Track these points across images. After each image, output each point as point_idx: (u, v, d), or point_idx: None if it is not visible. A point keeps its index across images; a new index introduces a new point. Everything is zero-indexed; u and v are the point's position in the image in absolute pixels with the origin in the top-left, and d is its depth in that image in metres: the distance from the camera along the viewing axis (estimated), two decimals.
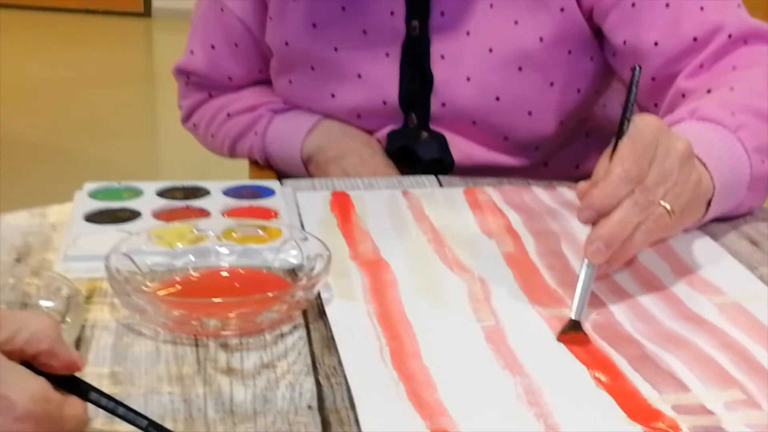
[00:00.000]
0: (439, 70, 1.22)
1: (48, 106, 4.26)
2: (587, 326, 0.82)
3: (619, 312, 0.85)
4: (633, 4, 1.15)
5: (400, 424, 0.68)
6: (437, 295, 0.87)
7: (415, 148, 1.25)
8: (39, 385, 0.61)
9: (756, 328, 0.82)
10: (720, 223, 1.03)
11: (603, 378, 0.74)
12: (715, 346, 0.79)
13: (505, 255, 0.95)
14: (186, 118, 1.42)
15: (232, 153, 1.36)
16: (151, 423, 0.64)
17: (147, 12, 6.18)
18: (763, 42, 1.12)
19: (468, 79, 1.20)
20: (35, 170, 3.51)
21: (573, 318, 0.81)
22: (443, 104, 1.23)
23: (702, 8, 1.12)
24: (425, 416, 0.68)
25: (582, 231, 1.00)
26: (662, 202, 0.84)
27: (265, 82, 1.35)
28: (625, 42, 1.16)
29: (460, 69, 1.21)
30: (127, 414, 0.64)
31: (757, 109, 1.01)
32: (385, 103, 1.24)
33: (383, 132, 1.27)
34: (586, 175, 0.87)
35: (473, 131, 1.24)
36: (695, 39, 1.12)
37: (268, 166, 1.35)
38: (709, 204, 0.95)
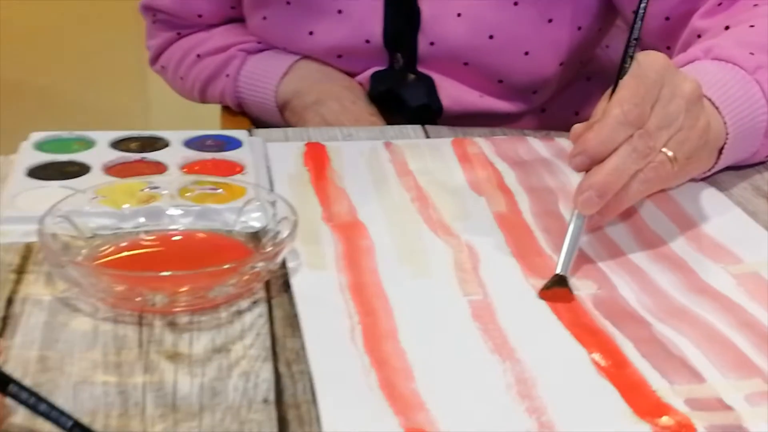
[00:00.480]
0: (427, 5, 1.11)
1: (28, 45, 4.13)
2: (588, 302, 0.72)
3: (623, 284, 0.75)
4: None
5: (368, 421, 0.58)
6: (419, 264, 0.77)
7: (401, 92, 1.15)
8: None
9: None
10: (734, 178, 0.92)
11: (605, 364, 0.65)
12: (733, 325, 0.69)
13: (497, 215, 0.85)
14: (154, 60, 1.31)
15: (203, 97, 1.26)
16: (76, 424, 0.55)
17: None
18: None
19: (459, 15, 1.10)
20: (11, 112, 3.39)
21: (558, 273, 0.74)
22: (432, 43, 1.12)
23: None
24: (399, 411, 0.59)
25: None
26: (664, 149, 0.77)
27: (238, 20, 1.24)
28: None
29: (451, 4, 1.11)
30: (50, 412, 0.55)
31: None
32: (368, 41, 1.13)
33: (366, 74, 1.16)
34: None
35: (465, 73, 1.13)
36: None
37: (242, 112, 1.24)
38: (720, 152, 0.87)
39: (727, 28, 0.98)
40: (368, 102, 1.16)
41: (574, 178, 0.91)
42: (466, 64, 1.12)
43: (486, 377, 0.63)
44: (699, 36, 1.01)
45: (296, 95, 1.16)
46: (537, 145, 1.00)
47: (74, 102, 3.56)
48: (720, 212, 0.86)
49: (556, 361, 0.65)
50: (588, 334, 0.68)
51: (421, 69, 1.14)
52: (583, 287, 0.74)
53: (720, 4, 1.01)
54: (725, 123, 0.86)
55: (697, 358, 0.66)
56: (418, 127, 1.05)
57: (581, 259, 0.78)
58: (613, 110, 0.74)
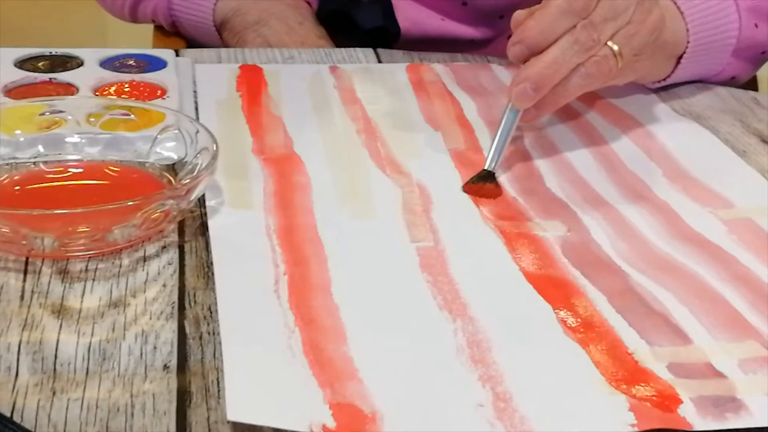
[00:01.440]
0: None
1: None
2: (555, 246, 0.62)
3: (596, 227, 0.65)
4: None
5: (285, 394, 0.47)
6: (362, 204, 0.66)
7: (353, 12, 1.03)
8: None
9: None
10: (720, 113, 0.83)
11: (573, 323, 0.55)
12: (725, 278, 0.60)
13: (454, 153, 0.74)
14: None
15: (134, 16, 1.13)
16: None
17: None
18: None
19: None
20: None
21: (486, 168, 0.70)
22: None
23: None
24: (325, 382, 0.48)
25: (549, 122, 0.80)
26: (609, 43, 0.71)
27: None
28: None
29: None
30: None
31: None
32: None
33: None
34: None
35: None
36: None
37: (177, 33, 1.12)
38: (679, 60, 0.82)
39: None
40: (316, 23, 1.04)
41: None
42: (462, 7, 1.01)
43: (433, 338, 0.53)
44: None
45: (236, 13, 1.04)
46: (502, 74, 0.89)
47: (21, 23, 3.41)
48: (706, 150, 0.76)
49: (515, 320, 0.55)
50: (554, 287, 0.58)
51: None
52: (550, 228, 0.64)
53: None
54: (687, 30, 0.81)
55: (682, 315, 0.56)
56: (369, 51, 0.94)
57: (547, 197, 0.68)
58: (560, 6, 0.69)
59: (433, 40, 1.04)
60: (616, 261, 0.61)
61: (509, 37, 1.03)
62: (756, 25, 0.87)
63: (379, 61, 0.92)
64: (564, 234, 0.64)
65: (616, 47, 0.71)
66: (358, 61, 0.92)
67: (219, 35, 1.06)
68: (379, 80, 0.87)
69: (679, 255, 0.62)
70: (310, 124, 0.78)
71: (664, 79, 0.84)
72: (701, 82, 0.88)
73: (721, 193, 0.69)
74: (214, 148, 0.63)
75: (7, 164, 0.67)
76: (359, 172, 0.71)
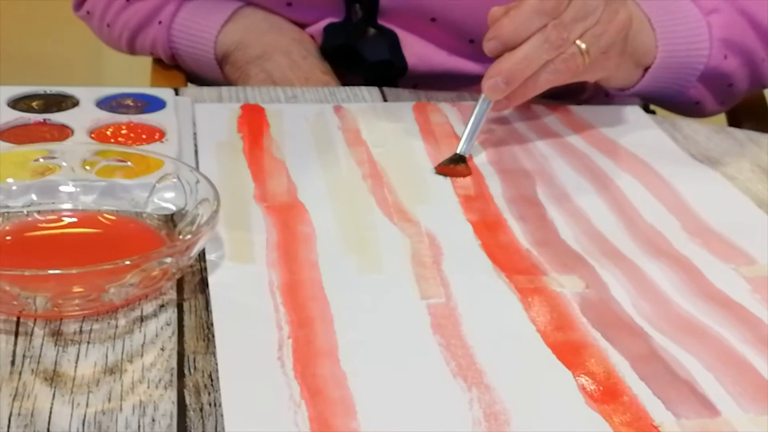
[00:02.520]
0: None
1: None
2: (573, 303, 0.59)
3: (615, 283, 0.62)
4: None
5: None
6: (369, 257, 0.64)
7: (359, 46, 1.00)
8: None
9: None
10: (736, 158, 0.80)
11: (595, 390, 0.52)
12: (751, 342, 0.57)
13: (464, 200, 0.72)
14: (78, 3, 1.15)
15: (132, 48, 1.10)
16: None
17: None
18: None
19: None
20: None
21: (458, 152, 0.76)
22: None
23: None
24: None
25: (562, 170, 0.77)
26: (578, 42, 0.76)
27: None
28: None
29: None
30: None
31: (743, 6, 0.91)
32: None
33: (319, 26, 1.02)
34: (558, 93, 0.83)
35: (432, 30, 0.99)
36: None
37: (176, 65, 1.09)
38: (646, 71, 0.88)
39: None
40: (320, 58, 1.01)
41: (554, 160, 0.78)
42: (433, 20, 0.98)
43: (447, 411, 0.50)
44: None
45: (239, 47, 1.01)
46: (511, 116, 0.86)
47: (17, 45, 3.38)
48: (726, 202, 0.73)
49: (534, 388, 0.52)
50: (573, 351, 0.55)
51: (382, 22, 1.00)
52: (567, 284, 0.62)
53: None
54: (657, 46, 0.87)
55: (708, 383, 0.53)
56: (374, 89, 0.91)
57: (562, 250, 0.65)
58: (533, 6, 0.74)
59: (439, 75, 1.01)
60: (637, 321, 0.58)
61: None
62: (725, 57, 0.90)
63: (385, 100, 0.90)
64: (582, 290, 0.61)
65: (584, 45, 0.76)
66: (363, 100, 0.89)
67: (220, 69, 1.03)
68: (385, 121, 0.84)
69: (702, 315, 0.59)
70: (314, 169, 0.75)
71: (631, 87, 0.89)
72: (698, 118, 0.90)
73: (744, 249, 0.66)
74: (216, 203, 0.60)
75: None
76: (366, 221, 0.68)
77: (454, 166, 0.75)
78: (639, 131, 0.85)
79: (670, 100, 0.93)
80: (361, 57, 1.00)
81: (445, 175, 0.75)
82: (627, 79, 0.88)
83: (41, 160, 0.67)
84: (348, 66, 1.02)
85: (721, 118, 1.17)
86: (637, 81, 0.88)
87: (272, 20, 1.03)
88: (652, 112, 1.17)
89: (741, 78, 0.93)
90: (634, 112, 0.89)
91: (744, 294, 0.61)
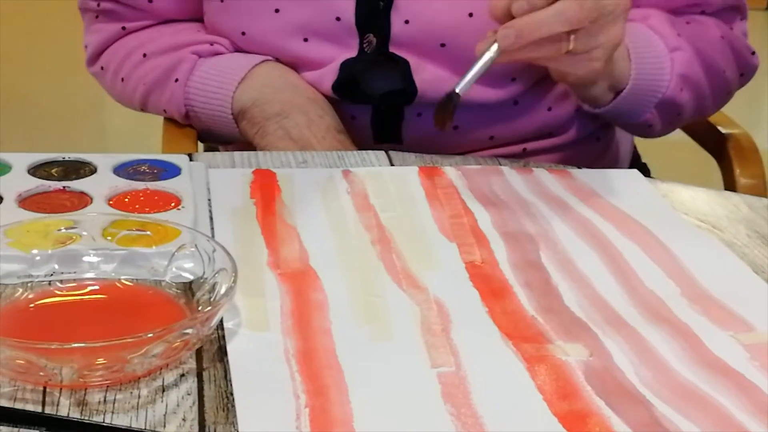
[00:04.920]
0: None
1: None
2: (578, 372, 0.62)
3: (618, 352, 0.64)
4: None
5: None
6: (379, 325, 0.66)
7: (372, 75, 1.03)
8: None
9: None
10: (736, 223, 0.83)
11: None
12: (748, 409, 0.59)
13: (470, 266, 0.74)
14: (93, 59, 1.18)
15: (145, 104, 1.13)
16: None
17: None
18: (735, 9, 1.10)
19: None
20: None
21: (456, 90, 0.84)
22: (407, 21, 1.02)
23: None
24: None
25: (565, 235, 0.79)
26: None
27: (190, 14, 1.12)
28: None
29: None
30: None
31: (700, 49, 1.03)
32: (338, 19, 1.02)
33: (335, 64, 1.05)
34: (557, 121, 1.01)
35: (442, 56, 1.02)
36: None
37: (189, 124, 1.12)
38: (617, 95, 0.99)
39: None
40: (335, 116, 1.04)
41: (556, 225, 0.81)
42: (443, 45, 1.02)
43: None
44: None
45: (255, 104, 1.04)
46: (514, 180, 0.89)
47: (21, 93, 3.42)
48: (724, 268, 0.76)
49: None
50: (579, 419, 0.57)
51: (393, 50, 1.04)
52: (572, 352, 0.64)
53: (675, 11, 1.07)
54: (630, 74, 0.98)
55: None
56: (381, 153, 0.94)
57: (567, 317, 0.68)
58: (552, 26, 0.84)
59: None
60: (639, 389, 0.61)
61: (515, 102, 1.05)
62: (681, 89, 1.02)
63: (391, 164, 0.92)
64: (586, 358, 0.63)
65: (571, 46, 0.86)
66: (371, 163, 0.92)
67: (236, 124, 1.06)
68: (392, 185, 0.87)
69: (702, 383, 0.61)
70: (325, 234, 0.78)
71: (601, 107, 1.00)
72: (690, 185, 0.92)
73: (742, 316, 0.69)
74: (234, 274, 0.62)
75: (22, 282, 0.66)
76: (375, 288, 0.70)
77: (447, 106, 0.85)
78: (638, 195, 0.87)
79: (627, 121, 1.04)
80: (374, 85, 1.03)
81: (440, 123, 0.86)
82: (600, 98, 1.00)
83: (63, 230, 0.69)
84: (360, 99, 1.05)
85: (714, 168, 1.21)
86: (607, 102, 1.00)
87: (288, 78, 1.06)
88: (646, 170, 1.21)
89: (689, 109, 1.05)
90: (633, 177, 0.92)
91: (742, 361, 0.64)
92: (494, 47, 0.85)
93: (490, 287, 0.71)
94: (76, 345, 0.56)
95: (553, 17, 0.84)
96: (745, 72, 1.10)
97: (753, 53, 1.10)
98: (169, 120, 1.13)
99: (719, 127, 1.21)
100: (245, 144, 1.07)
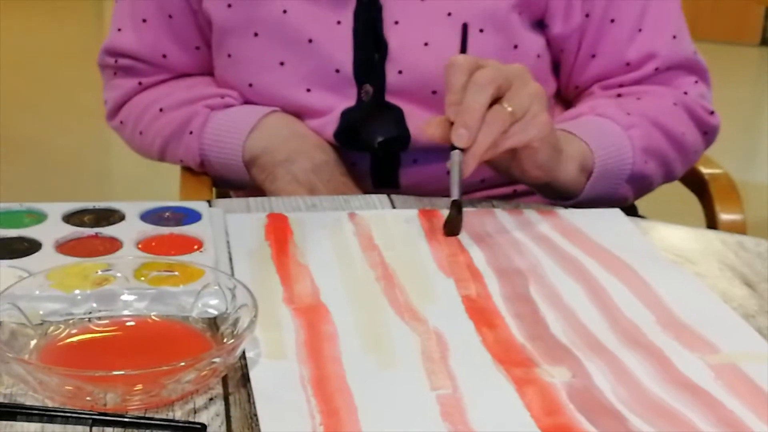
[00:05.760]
0: (393, 36, 1.11)
1: None
2: (562, 392, 0.69)
3: (598, 373, 0.72)
4: (587, 15, 1.14)
5: None
6: (384, 354, 0.74)
7: (370, 124, 1.12)
8: None
9: (757, 398, 0.70)
10: (708, 258, 0.90)
11: None
12: (713, 423, 0.67)
13: (465, 299, 0.82)
14: (112, 114, 1.27)
15: (162, 155, 1.22)
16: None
17: None
18: (689, 72, 1.17)
19: (426, 44, 1.10)
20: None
21: (455, 198, 0.93)
22: (400, 72, 1.11)
23: (640, 30, 1.14)
24: None
25: (551, 270, 0.87)
26: (504, 104, 0.94)
27: (201, 68, 1.21)
28: (564, 39, 1.15)
29: (417, 34, 1.11)
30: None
31: (655, 119, 1.11)
32: (338, 71, 1.12)
33: (336, 112, 1.13)
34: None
35: (433, 102, 1.11)
36: (628, 63, 1.15)
37: (203, 171, 1.20)
38: (590, 177, 1.05)
39: (618, 96, 1.15)
40: (338, 161, 1.13)
41: (544, 261, 0.89)
42: (434, 92, 1.11)
43: None
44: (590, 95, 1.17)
45: (265, 152, 1.13)
46: (506, 221, 0.97)
47: (31, 137, 3.50)
48: (695, 298, 0.83)
49: None
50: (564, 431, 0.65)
51: (389, 99, 1.13)
52: (556, 374, 0.72)
53: (621, 85, 1.15)
54: (592, 151, 1.05)
55: None
56: (384, 197, 1.02)
57: (552, 343, 0.76)
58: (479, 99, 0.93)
59: (437, 147, 1.12)
60: (616, 406, 0.68)
61: None
62: (646, 161, 1.09)
63: (393, 206, 1.01)
64: (569, 380, 0.71)
65: (508, 107, 0.94)
66: (374, 206, 1.00)
67: (247, 171, 1.14)
68: (394, 227, 0.95)
69: (671, 400, 0.69)
70: (334, 272, 0.85)
71: (576, 196, 1.05)
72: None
73: (709, 339, 0.77)
74: (255, 309, 0.70)
75: (65, 320, 0.74)
76: (380, 320, 0.78)
77: (455, 218, 0.93)
78: (620, 233, 0.95)
79: (605, 200, 1.08)
80: (373, 134, 1.12)
81: (451, 232, 0.93)
82: (574, 184, 1.05)
83: (100, 272, 0.77)
84: (360, 146, 1.13)
85: (696, 207, 1.29)
86: (582, 188, 1.05)
87: (294, 127, 1.14)
88: (636, 212, 1.29)
89: (658, 176, 1.13)
90: (615, 215, 1.00)
91: (708, 380, 0.71)
92: (457, 153, 0.93)
93: (484, 318, 0.79)
94: (117, 373, 0.64)
95: (475, 92, 0.92)
96: (708, 131, 1.17)
97: (711, 113, 1.17)
98: (186, 168, 1.21)
99: (701, 168, 1.29)
100: (255, 189, 1.15)
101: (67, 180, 3.15)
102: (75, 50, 4.69)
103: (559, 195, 1.06)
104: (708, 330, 0.78)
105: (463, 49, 1.02)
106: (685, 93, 1.15)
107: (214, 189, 1.23)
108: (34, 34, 4.93)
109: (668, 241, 0.95)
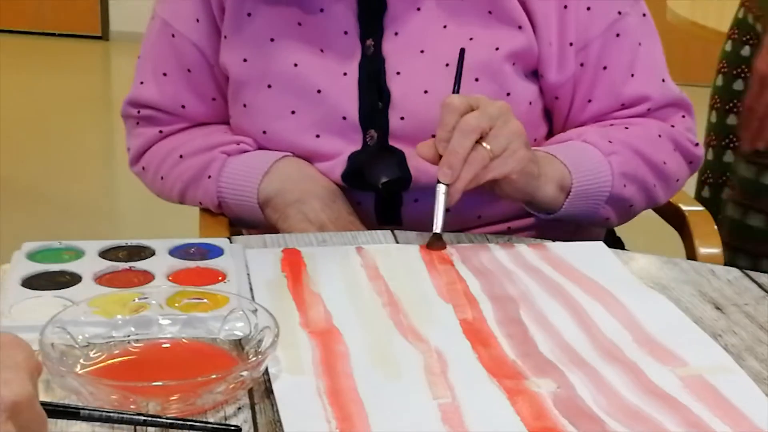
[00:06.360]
0: (396, 85, 1.21)
1: None
2: (548, 400, 0.79)
3: (580, 384, 0.81)
4: (582, 64, 1.23)
5: None
6: (391, 368, 0.83)
7: (375, 167, 1.22)
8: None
9: (720, 404, 0.79)
10: (682, 285, 1.00)
11: None
12: (681, 425, 0.76)
13: (463, 322, 0.91)
14: (135, 160, 1.37)
15: (182, 198, 1.32)
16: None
17: (105, 35, 6.10)
18: (678, 108, 1.26)
19: (425, 92, 1.20)
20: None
21: (436, 231, 1.07)
22: (402, 118, 1.21)
23: (633, 75, 1.24)
24: None
25: (540, 296, 0.97)
26: (483, 144, 1.06)
27: (218, 117, 1.31)
28: (559, 87, 1.24)
29: (417, 83, 1.21)
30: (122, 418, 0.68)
31: (637, 148, 1.20)
32: (344, 118, 1.22)
33: (343, 157, 1.23)
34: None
35: None
36: (623, 104, 1.24)
37: (220, 212, 1.30)
38: (568, 195, 1.16)
39: (610, 125, 1.23)
40: (345, 201, 1.23)
41: (533, 287, 0.98)
42: (434, 136, 1.20)
43: None
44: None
45: (278, 194, 1.23)
46: (499, 254, 1.07)
47: (41, 186, 3.60)
48: (668, 319, 0.93)
49: None
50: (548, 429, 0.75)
51: (392, 143, 1.22)
52: (543, 385, 0.81)
53: (612, 125, 1.24)
54: (570, 172, 1.15)
55: None
56: (388, 233, 1.12)
57: (540, 359, 0.85)
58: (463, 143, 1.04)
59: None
60: (596, 412, 0.78)
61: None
62: (624, 185, 1.19)
63: (396, 241, 1.10)
64: (554, 390, 0.80)
65: (487, 145, 1.05)
66: (379, 241, 1.10)
67: (261, 212, 1.24)
68: (398, 259, 1.05)
69: (645, 406, 0.78)
70: (344, 300, 0.95)
71: (556, 211, 1.16)
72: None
73: (679, 355, 0.86)
74: (276, 330, 0.80)
75: (106, 342, 0.83)
76: (387, 340, 0.88)
77: (435, 243, 1.06)
78: (602, 263, 1.05)
79: (587, 219, 1.20)
80: (377, 175, 1.22)
81: (430, 249, 1.06)
82: (553, 202, 1.15)
83: (137, 300, 0.87)
84: (365, 187, 1.23)
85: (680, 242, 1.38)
86: (561, 205, 1.15)
87: (305, 170, 1.24)
88: (621, 245, 1.38)
89: (638, 200, 1.22)
90: (598, 248, 1.10)
91: (677, 390, 0.81)
92: (442, 187, 1.05)
93: (479, 338, 0.88)
94: (156, 383, 0.73)
95: (460, 136, 1.04)
96: (693, 160, 1.27)
97: (696, 144, 1.27)
98: (204, 209, 1.31)
99: (682, 206, 1.39)
100: (268, 228, 1.25)
101: (78, 223, 3.25)
102: (82, 98, 4.81)
103: (540, 209, 1.17)
104: (679, 347, 0.87)
105: (459, 74, 1.14)
106: (672, 126, 1.25)
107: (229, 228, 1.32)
108: (42, 84, 5.04)
109: (647, 270, 1.04)
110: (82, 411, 0.66)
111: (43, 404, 0.63)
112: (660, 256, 1.08)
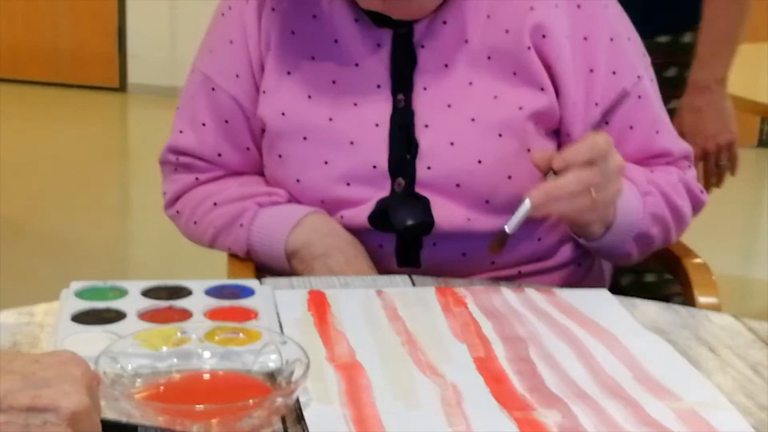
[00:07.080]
0: (424, 137, 1.29)
1: (17, 182, 4.26)
2: (554, 429, 0.87)
3: (583, 416, 0.89)
4: (607, 122, 1.30)
5: None
6: (411, 399, 0.91)
7: (400, 211, 1.30)
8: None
9: None
10: (680, 329, 1.08)
11: None
12: None
13: (476, 360, 0.99)
14: (170, 204, 1.45)
15: (213, 243, 1.39)
16: None
17: (122, 87, 6.21)
18: (687, 160, 1.38)
19: (452, 144, 1.28)
20: (2, 249, 3.50)
21: (507, 231, 1.13)
22: (429, 167, 1.29)
23: (657, 132, 1.34)
24: None
25: (547, 337, 1.05)
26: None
27: (251, 165, 1.40)
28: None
29: (444, 136, 1.29)
30: None
31: (663, 190, 1.30)
32: (375, 167, 1.30)
33: (371, 203, 1.31)
34: (546, 248, 1.29)
35: (457, 194, 1.29)
36: (647, 158, 1.34)
37: (248, 258, 1.38)
38: (608, 229, 1.24)
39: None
40: (367, 256, 1.31)
41: (542, 330, 1.06)
42: (458, 185, 1.29)
43: None
44: None
45: (305, 247, 1.31)
46: (509, 297, 1.15)
47: (58, 235, 3.69)
48: (665, 359, 1.01)
49: None
50: None
51: (418, 190, 1.31)
52: (549, 416, 0.89)
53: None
54: (615, 213, 1.22)
55: None
56: (406, 277, 1.20)
57: (546, 393, 0.93)
58: (572, 185, 1.13)
59: (458, 234, 1.29)
60: None
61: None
62: (652, 225, 1.28)
63: (413, 285, 1.19)
64: (560, 420, 0.88)
65: (595, 197, 1.14)
66: (397, 285, 1.18)
67: (288, 262, 1.32)
68: (415, 301, 1.13)
69: None
70: (366, 338, 1.03)
71: (595, 240, 1.24)
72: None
73: (674, 391, 0.94)
74: (307, 361, 0.88)
75: (152, 372, 0.92)
76: (406, 375, 0.96)
77: (497, 244, 1.14)
78: (606, 309, 1.13)
79: (612, 252, 1.29)
80: (401, 220, 1.30)
81: (489, 250, 1.15)
82: (595, 233, 1.24)
83: (179, 334, 0.95)
84: (389, 228, 1.31)
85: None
86: (600, 236, 1.24)
87: (331, 226, 1.32)
88: (624, 292, 1.46)
89: (659, 240, 1.31)
90: (602, 295, 1.18)
91: (672, 422, 0.89)
92: (527, 201, 1.12)
93: (491, 374, 0.96)
94: (200, 407, 0.82)
95: (575, 177, 1.12)
96: (697, 205, 1.37)
97: (702, 192, 1.37)
98: (232, 255, 1.39)
99: (684, 259, 1.47)
100: (293, 275, 1.33)
101: (95, 269, 3.33)
102: (101, 149, 4.91)
103: (581, 235, 1.26)
104: (674, 384, 0.95)
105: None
106: (685, 174, 1.35)
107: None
108: (60, 134, 5.11)
109: (647, 316, 1.12)
110: (139, 427, 0.74)
111: (104, 422, 0.71)
112: (659, 302, 1.16)
